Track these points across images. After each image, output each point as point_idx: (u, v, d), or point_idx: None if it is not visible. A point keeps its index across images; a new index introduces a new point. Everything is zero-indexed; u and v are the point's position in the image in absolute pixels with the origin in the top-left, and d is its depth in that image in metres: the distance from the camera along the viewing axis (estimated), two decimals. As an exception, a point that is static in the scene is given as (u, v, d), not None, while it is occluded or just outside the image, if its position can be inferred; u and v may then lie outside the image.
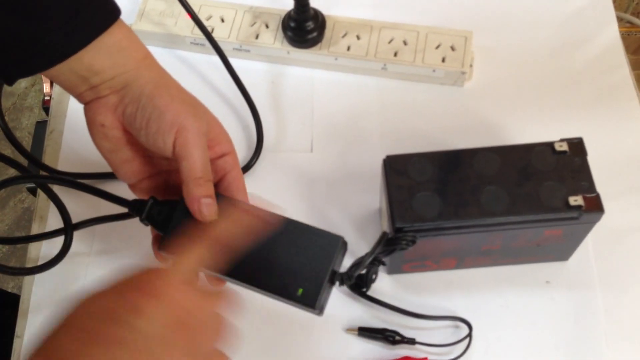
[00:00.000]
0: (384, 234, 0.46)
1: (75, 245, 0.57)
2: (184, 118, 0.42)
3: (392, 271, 0.54)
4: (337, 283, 0.44)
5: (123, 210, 0.47)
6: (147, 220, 0.45)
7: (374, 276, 0.51)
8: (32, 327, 0.54)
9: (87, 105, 0.44)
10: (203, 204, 0.42)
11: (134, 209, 0.46)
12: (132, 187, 0.47)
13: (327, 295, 0.44)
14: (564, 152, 0.48)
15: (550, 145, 0.48)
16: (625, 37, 0.85)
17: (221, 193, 0.45)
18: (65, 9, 0.39)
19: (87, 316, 0.34)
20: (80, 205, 0.58)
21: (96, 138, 0.44)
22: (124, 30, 0.43)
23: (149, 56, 0.44)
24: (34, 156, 0.62)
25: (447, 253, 0.51)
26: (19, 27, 0.39)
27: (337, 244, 0.43)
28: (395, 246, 0.46)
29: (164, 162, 0.46)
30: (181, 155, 0.41)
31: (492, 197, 0.47)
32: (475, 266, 0.54)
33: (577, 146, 0.48)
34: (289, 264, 0.43)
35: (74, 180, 0.51)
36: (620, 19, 0.87)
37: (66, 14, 0.39)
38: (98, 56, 0.41)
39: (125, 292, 0.35)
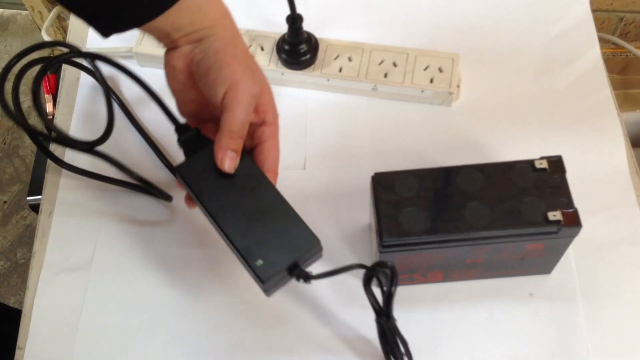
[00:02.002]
0: (359, 265, 0.47)
1: (76, 259, 0.59)
2: (239, 76, 0.46)
3: None
4: (295, 278, 0.46)
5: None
6: (181, 143, 0.50)
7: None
8: (33, 339, 0.56)
9: (167, 51, 0.49)
10: (227, 156, 0.46)
11: (179, 129, 0.51)
12: (188, 122, 0.52)
13: (281, 281, 0.47)
14: (544, 169, 0.50)
15: (530, 163, 0.50)
16: (611, 58, 0.88)
17: (254, 158, 0.49)
18: None
19: None
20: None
21: (168, 78, 0.50)
22: None
23: (226, 15, 0.49)
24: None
25: (433, 266, 0.53)
26: None
27: (312, 244, 0.46)
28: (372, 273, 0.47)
29: (217, 111, 0.48)
30: (226, 107, 0.46)
31: (475, 212, 0.49)
32: (462, 279, 0.56)
33: (556, 164, 0.50)
34: (265, 237, 0.46)
35: (131, 71, 0.55)
36: (605, 41, 0.89)
37: None
38: (180, 14, 0.46)
39: None
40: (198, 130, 0.50)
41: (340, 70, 0.66)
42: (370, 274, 0.47)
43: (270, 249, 0.46)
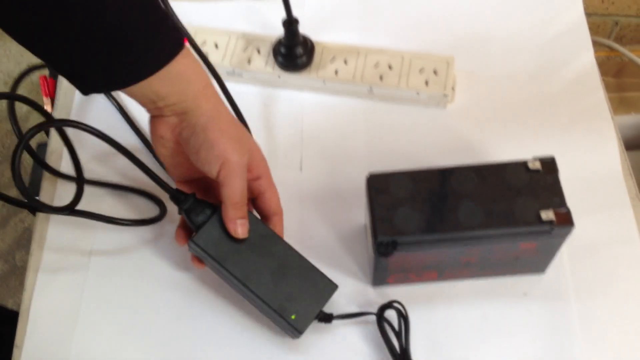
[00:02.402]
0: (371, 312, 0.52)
1: (73, 259, 0.60)
2: (229, 153, 0.49)
3: (377, 283, 0.57)
4: (318, 320, 0.53)
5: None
6: (184, 212, 0.53)
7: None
8: (31, 337, 0.56)
9: (153, 118, 0.51)
10: (238, 224, 0.51)
11: (176, 197, 0.53)
12: (178, 182, 0.56)
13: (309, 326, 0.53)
14: (537, 170, 0.51)
15: (524, 163, 0.51)
16: (606, 61, 0.89)
17: (258, 207, 0.55)
18: (137, 42, 0.44)
19: None
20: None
21: (156, 145, 0.52)
22: (187, 60, 0.48)
23: (208, 86, 0.50)
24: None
25: (428, 266, 0.54)
26: (98, 54, 0.44)
27: (332, 289, 0.53)
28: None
29: (211, 180, 0.52)
30: (223, 182, 0.50)
31: (469, 212, 0.49)
32: (456, 279, 0.57)
33: (549, 165, 0.51)
34: (292, 291, 0.52)
35: (122, 146, 0.55)
36: (600, 44, 0.90)
37: (138, 46, 0.44)
38: (163, 84, 0.47)
39: None
40: (194, 196, 0.53)
41: (336, 72, 0.66)
42: (381, 314, 0.53)
43: (299, 303, 0.52)
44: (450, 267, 0.54)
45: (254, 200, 0.54)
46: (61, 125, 0.60)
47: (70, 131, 0.60)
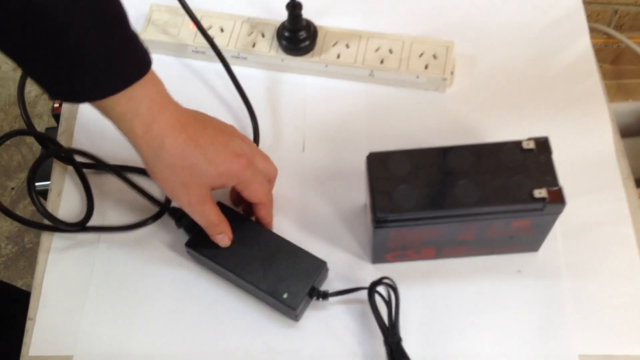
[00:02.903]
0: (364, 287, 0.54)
1: (82, 237, 0.62)
2: (177, 198, 0.54)
3: (376, 260, 0.59)
4: (315, 298, 0.55)
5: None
6: (180, 225, 0.60)
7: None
8: (43, 310, 0.59)
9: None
10: (218, 239, 0.57)
11: (172, 212, 0.60)
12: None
13: (305, 305, 0.55)
14: (531, 149, 0.52)
15: (518, 143, 0.53)
16: (603, 48, 0.90)
17: (246, 198, 0.57)
18: (96, 63, 0.45)
19: None
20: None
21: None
22: (143, 93, 0.48)
23: (148, 130, 0.50)
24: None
25: (426, 243, 0.56)
26: (58, 67, 0.45)
27: (320, 267, 0.56)
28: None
29: None
30: (190, 215, 0.56)
31: (465, 190, 0.51)
32: (453, 256, 0.59)
33: (542, 145, 0.53)
34: (282, 274, 0.55)
35: (119, 171, 0.62)
36: (597, 31, 0.91)
37: (97, 67, 0.46)
38: (116, 110, 0.49)
39: None
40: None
41: (338, 56, 0.68)
42: (372, 289, 0.54)
43: (290, 283, 0.55)
44: (448, 245, 0.56)
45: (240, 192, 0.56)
46: (55, 155, 0.65)
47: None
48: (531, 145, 0.52)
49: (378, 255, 0.58)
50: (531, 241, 0.57)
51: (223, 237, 0.56)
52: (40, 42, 0.43)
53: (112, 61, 0.46)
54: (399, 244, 0.55)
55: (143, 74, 0.48)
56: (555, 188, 0.51)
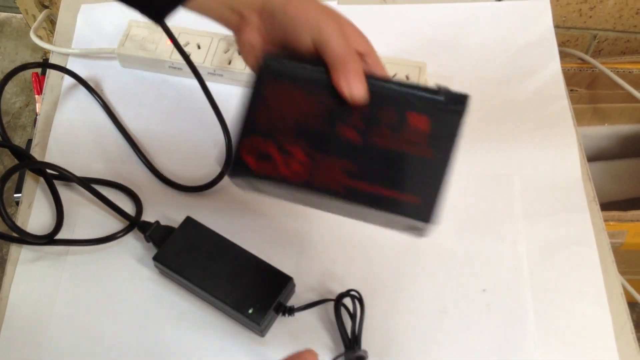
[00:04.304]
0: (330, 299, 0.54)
1: (53, 247, 0.62)
2: (317, 19, 0.45)
3: (236, 166, 0.46)
4: (281, 314, 0.56)
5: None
6: (149, 238, 0.60)
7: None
8: (9, 323, 0.59)
9: (237, 31, 0.49)
10: (351, 83, 0.43)
11: (142, 227, 0.61)
12: None
13: (272, 320, 0.56)
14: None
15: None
16: (578, 73, 0.91)
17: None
18: None
19: None
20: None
21: (248, 57, 0.49)
22: None
23: None
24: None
25: (300, 132, 0.44)
26: None
27: (286, 282, 0.56)
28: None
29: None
30: (321, 47, 0.44)
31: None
32: (331, 186, 0.44)
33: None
34: (247, 289, 0.55)
35: (88, 184, 0.62)
36: (571, 55, 0.93)
37: None
38: None
39: None
40: (158, 222, 0.60)
41: (313, 75, 0.69)
42: (338, 301, 0.55)
43: (255, 298, 0.55)
44: (325, 146, 0.44)
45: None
46: (29, 167, 0.65)
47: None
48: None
49: (240, 145, 0.46)
50: (425, 184, 0.43)
51: (357, 81, 0.43)
52: None
53: None
54: (271, 122, 0.46)
55: None
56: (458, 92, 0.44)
